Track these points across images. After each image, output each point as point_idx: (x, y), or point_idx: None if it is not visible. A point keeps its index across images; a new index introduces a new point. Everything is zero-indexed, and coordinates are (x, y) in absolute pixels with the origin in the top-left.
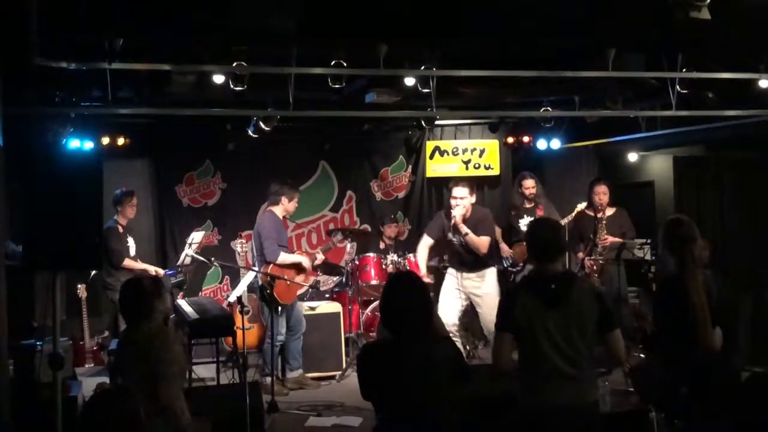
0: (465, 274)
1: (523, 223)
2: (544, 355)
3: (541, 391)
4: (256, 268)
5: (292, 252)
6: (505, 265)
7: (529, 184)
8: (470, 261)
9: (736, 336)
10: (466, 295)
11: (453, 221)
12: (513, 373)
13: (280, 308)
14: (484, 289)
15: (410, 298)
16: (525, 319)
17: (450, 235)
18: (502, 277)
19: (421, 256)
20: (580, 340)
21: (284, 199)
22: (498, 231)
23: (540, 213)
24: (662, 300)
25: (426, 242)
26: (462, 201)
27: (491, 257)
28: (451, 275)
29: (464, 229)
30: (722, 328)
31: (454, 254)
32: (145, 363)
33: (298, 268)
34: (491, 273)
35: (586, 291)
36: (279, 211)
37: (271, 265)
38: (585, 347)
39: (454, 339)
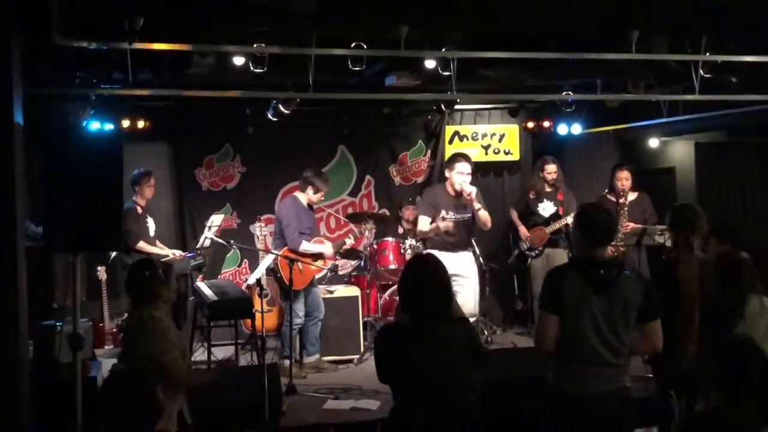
0: (458, 254)
1: (542, 207)
2: (587, 341)
3: (581, 377)
4: (275, 251)
5: (318, 236)
6: (523, 249)
7: (552, 169)
8: (464, 241)
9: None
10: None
11: (466, 197)
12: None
13: (295, 292)
14: (472, 269)
15: (429, 280)
16: (571, 303)
17: (448, 213)
18: (519, 261)
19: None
20: (624, 328)
21: (310, 189)
22: (514, 213)
23: (560, 198)
24: (655, 280)
25: (426, 222)
26: (469, 177)
27: (473, 238)
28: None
29: (477, 204)
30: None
31: (447, 234)
32: (138, 348)
33: (319, 256)
34: (472, 255)
35: (634, 278)
36: (303, 197)
37: (285, 248)
38: (626, 334)
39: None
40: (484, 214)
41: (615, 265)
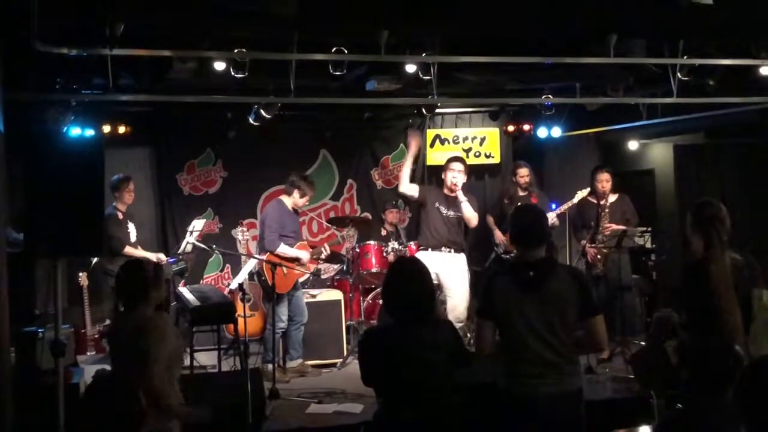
0: (452, 254)
1: None
2: (523, 342)
3: (522, 377)
4: (257, 255)
5: (301, 240)
6: (498, 252)
7: (524, 173)
8: (458, 242)
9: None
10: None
11: (454, 191)
12: (495, 358)
13: (279, 296)
14: (464, 273)
15: (413, 283)
16: (503, 306)
17: (442, 208)
18: (496, 265)
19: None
20: (561, 327)
21: (296, 193)
22: (490, 219)
23: (534, 202)
24: (687, 284)
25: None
26: (460, 174)
27: (464, 241)
28: (428, 257)
29: (462, 196)
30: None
31: (440, 230)
32: (133, 350)
33: (297, 260)
34: (465, 258)
35: (566, 276)
36: (289, 201)
37: (269, 253)
38: (566, 334)
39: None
40: (467, 208)
41: (545, 265)
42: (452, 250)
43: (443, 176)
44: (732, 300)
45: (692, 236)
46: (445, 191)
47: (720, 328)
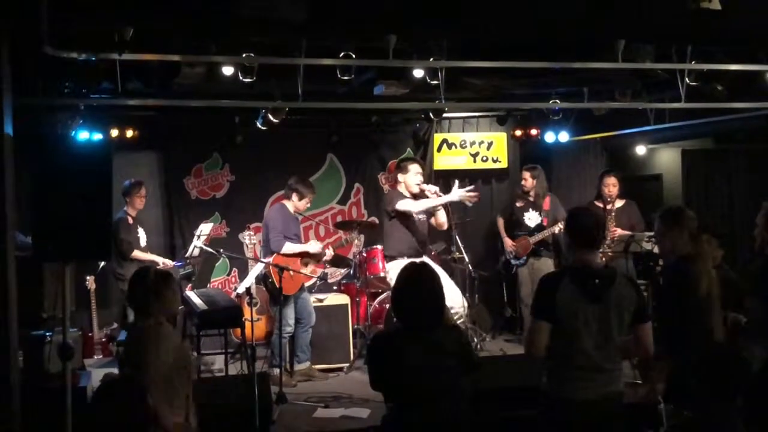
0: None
1: (528, 216)
2: (582, 349)
3: (575, 381)
4: (264, 259)
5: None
6: (508, 258)
7: (525, 176)
8: (425, 243)
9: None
10: None
11: (431, 195)
12: (542, 362)
13: (285, 298)
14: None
15: (422, 288)
16: (566, 311)
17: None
18: (505, 269)
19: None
20: (617, 333)
21: (295, 196)
22: (501, 222)
23: (546, 207)
24: (669, 288)
25: (410, 201)
26: (422, 177)
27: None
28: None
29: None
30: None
31: (415, 236)
32: (133, 361)
33: (305, 256)
34: (428, 257)
35: (626, 283)
36: (290, 205)
37: (275, 255)
38: (620, 338)
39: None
40: (443, 214)
41: (608, 273)
42: (422, 254)
43: (401, 179)
44: (714, 302)
45: (665, 237)
46: (405, 194)
47: (697, 328)
